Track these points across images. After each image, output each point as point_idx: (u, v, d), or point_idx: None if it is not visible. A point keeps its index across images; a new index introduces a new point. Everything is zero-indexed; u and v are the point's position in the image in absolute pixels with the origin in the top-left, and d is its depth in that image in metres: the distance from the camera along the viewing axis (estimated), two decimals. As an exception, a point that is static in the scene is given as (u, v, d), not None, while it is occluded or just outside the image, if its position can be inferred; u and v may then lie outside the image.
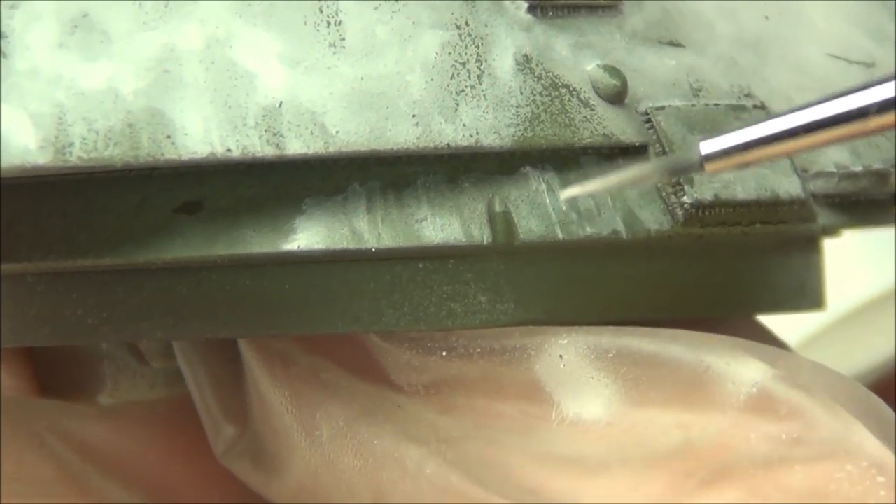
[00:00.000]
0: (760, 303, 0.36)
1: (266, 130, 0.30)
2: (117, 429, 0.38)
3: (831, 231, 0.37)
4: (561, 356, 0.32)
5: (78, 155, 0.28)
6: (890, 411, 0.32)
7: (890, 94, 0.28)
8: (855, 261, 0.61)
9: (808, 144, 0.29)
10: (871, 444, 0.30)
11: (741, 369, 0.31)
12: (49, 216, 0.31)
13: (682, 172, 0.31)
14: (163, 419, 0.39)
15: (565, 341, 0.32)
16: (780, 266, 0.36)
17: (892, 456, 0.30)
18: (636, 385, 0.32)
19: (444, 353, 0.32)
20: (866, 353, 0.61)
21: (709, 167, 0.30)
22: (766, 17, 0.37)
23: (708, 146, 0.30)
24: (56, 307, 0.32)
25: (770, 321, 0.38)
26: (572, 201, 0.32)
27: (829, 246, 0.38)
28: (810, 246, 0.37)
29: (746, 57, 0.36)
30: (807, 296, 0.37)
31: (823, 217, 0.35)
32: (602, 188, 0.31)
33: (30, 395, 0.39)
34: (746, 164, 0.30)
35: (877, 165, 0.36)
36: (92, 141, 0.29)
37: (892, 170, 0.36)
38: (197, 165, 0.30)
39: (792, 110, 0.29)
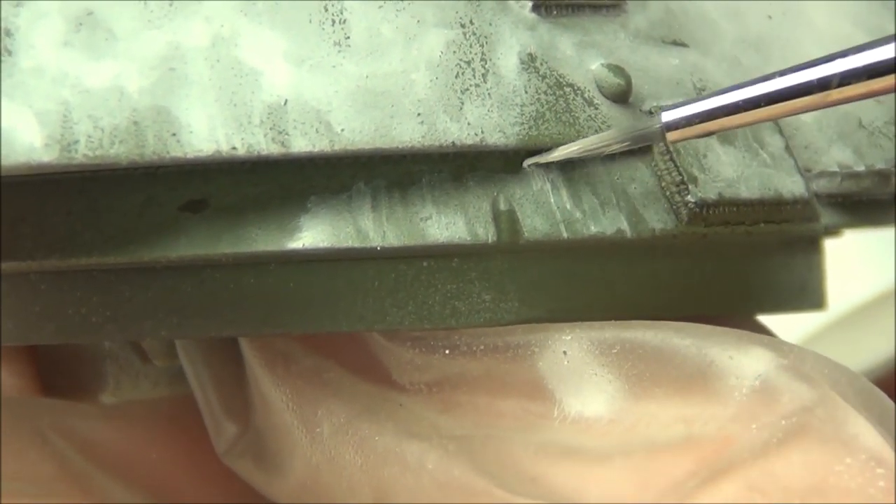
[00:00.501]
0: (762, 302, 0.36)
1: (271, 129, 0.30)
2: (120, 427, 0.38)
3: (833, 231, 0.37)
4: (565, 352, 0.32)
5: (83, 153, 0.28)
6: (891, 403, 0.32)
7: (850, 67, 0.28)
8: (855, 261, 0.61)
9: (768, 115, 0.29)
10: (870, 437, 0.30)
11: (744, 361, 0.31)
12: (53, 214, 0.31)
13: (644, 141, 0.31)
14: (165, 418, 0.39)
15: (569, 337, 0.32)
16: (783, 266, 0.36)
17: (891, 448, 0.30)
18: (639, 381, 0.32)
19: (446, 352, 0.32)
20: (866, 353, 0.61)
21: (670, 136, 0.30)
22: (769, 17, 0.37)
23: (669, 115, 0.30)
24: (60, 305, 0.32)
25: (770, 321, 0.38)
26: (535, 168, 0.32)
27: (830, 246, 0.38)
28: (812, 246, 0.37)
29: (749, 56, 0.36)
30: (808, 296, 0.37)
31: (826, 217, 0.36)
32: (564, 156, 0.32)
33: (32, 393, 0.39)
34: (707, 134, 0.30)
35: (879, 165, 0.36)
36: (97, 139, 0.29)
37: (895, 170, 0.36)
38: (202, 164, 0.30)
39: (753, 81, 0.29)
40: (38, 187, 0.31)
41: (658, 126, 0.30)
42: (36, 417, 0.38)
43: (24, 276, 0.32)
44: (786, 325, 0.39)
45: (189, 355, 0.36)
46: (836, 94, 0.28)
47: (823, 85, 0.28)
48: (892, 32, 0.39)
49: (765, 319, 0.38)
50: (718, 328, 0.32)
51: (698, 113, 0.30)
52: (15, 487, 0.37)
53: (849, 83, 0.28)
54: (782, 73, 0.29)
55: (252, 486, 0.36)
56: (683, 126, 0.30)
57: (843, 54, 0.28)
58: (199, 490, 0.39)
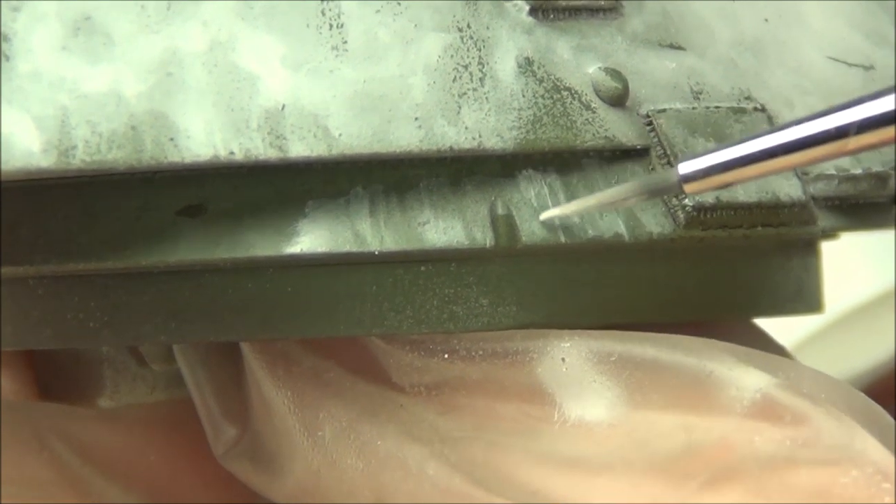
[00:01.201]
0: (759, 306, 0.36)
1: (269, 133, 0.30)
2: (118, 431, 0.38)
3: (831, 234, 0.37)
4: (563, 359, 0.32)
5: (81, 158, 0.28)
6: (891, 419, 0.32)
7: (868, 114, 0.28)
8: (855, 261, 0.61)
9: (786, 164, 0.29)
10: (876, 451, 0.30)
11: (744, 375, 0.31)
12: (51, 219, 0.31)
13: (661, 193, 0.31)
14: (163, 421, 0.39)
15: (568, 344, 0.32)
16: (780, 269, 0.36)
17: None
18: (639, 388, 0.32)
19: (445, 356, 0.32)
20: (866, 354, 0.61)
21: (688, 188, 0.30)
22: (766, 20, 0.37)
23: (686, 167, 0.30)
24: (58, 310, 0.32)
25: (770, 322, 0.38)
26: (549, 223, 0.32)
27: (829, 247, 0.38)
28: (809, 249, 0.37)
29: (746, 59, 0.36)
30: (805, 299, 0.37)
31: (823, 220, 0.36)
32: (580, 209, 0.32)
33: (30, 398, 0.39)
34: (725, 185, 0.30)
35: (876, 168, 0.36)
36: (95, 144, 0.29)
37: (892, 172, 0.36)
38: (199, 168, 0.30)
39: (770, 130, 0.29)
40: (35, 192, 0.31)
41: (676, 179, 0.30)
42: (34, 421, 0.38)
43: (22, 281, 0.32)
44: (785, 326, 0.39)
45: (187, 358, 0.36)
46: (853, 142, 0.28)
47: (841, 133, 0.28)
48: (891, 35, 0.39)
49: (764, 321, 0.38)
50: (715, 342, 0.32)
51: (716, 164, 0.30)
52: (13, 491, 0.37)
53: (867, 130, 0.28)
54: (799, 121, 0.29)
55: (250, 488, 0.36)
56: (701, 178, 0.30)
57: (860, 101, 0.28)
58: (197, 493, 0.39)
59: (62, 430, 0.38)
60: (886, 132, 0.28)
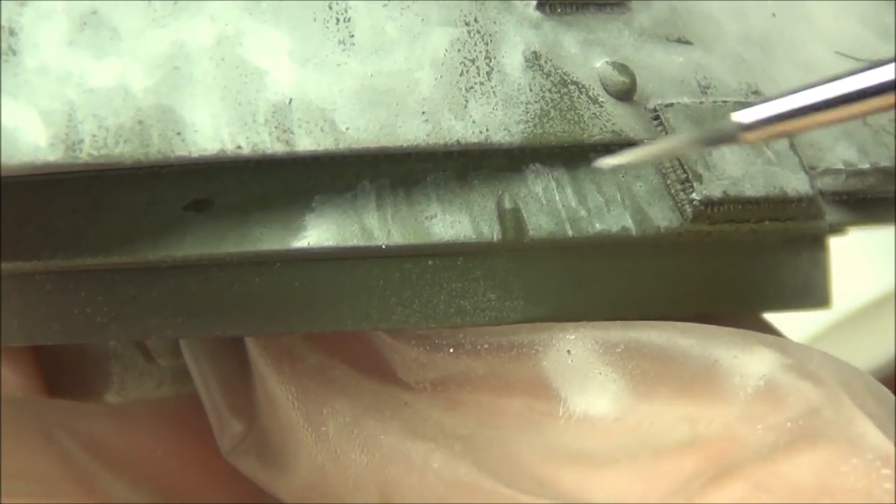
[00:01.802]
0: (767, 300, 0.36)
1: (276, 127, 0.30)
2: (125, 426, 0.38)
3: (838, 229, 0.37)
4: (569, 351, 0.32)
5: (88, 152, 0.28)
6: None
7: None
8: (856, 262, 0.61)
9: (846, 115, 0.29)
10: (876, 437, 0.30)
11: (749, 361, 0.31)
12: (58, 214, 0.31)
13: (718, 143, 0.31)
14: (170, 417, 0.39)
15: (573, 336, 0.32)
16: (788, 264, 0.36)
17: None
18: (644, 380, 0.32)
19: (451, 350, 0.32)
20: (867, 355, 0.61)
21: (747, 137, 0.29)
22: (774, 15, 0.37)
23: (744, 116, 0.29)
24: (65, 305, 0.32)
25: (774, 322, 0.38)
26: (607, 169, 0.32)
27: (831, 246, 0.38)
28: (817, 244, 0.37)
29: (754, 54, 0.36)
30: (813, 294, 0.37)
31: (831, 215, 0.35)
32: (637, 159, 0.31)
33: (37, 393, 0.40)
34: (785, 134, 0.29)
35: (884, 163, 0.36)
36: (102, 138, 0.29)
37: (897, 167, 0.36)
38: (206, 163, 0.30)
39: (832, 78, 0.29)
40: (42, 187, 0.31)
41: (735, 128, 0.30)
42: (41, 416, 0.38)
43: (28, 276, 0.32)
44: (788, 325, 0.39)
45: (194, 354, 0.36)
46: None
47: None
48: (898, 30, 0.39)
49: (770, 318, 0.38)
50: (723, 328, 0.32)
51: (775, 115, 0.29)
52: (20, 487, 0.37)
53: None
54: (859, 70, 0.28)
55: (257, 483, 0.36)
56: (759, 127, 0.30)
57: None
58: (204, 489, 0.39)
59: (69, 425, 0.38)
60: None
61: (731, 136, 0.29)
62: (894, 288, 0.62)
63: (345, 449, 0.33)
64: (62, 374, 0.40)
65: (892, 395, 0.32)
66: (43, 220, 0.31)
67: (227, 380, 0.36)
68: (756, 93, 0.35)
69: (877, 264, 0.62)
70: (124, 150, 0.29)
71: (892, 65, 0.28)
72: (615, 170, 0.32)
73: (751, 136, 0.29)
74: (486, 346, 0.32)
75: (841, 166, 0.35)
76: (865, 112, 0.28)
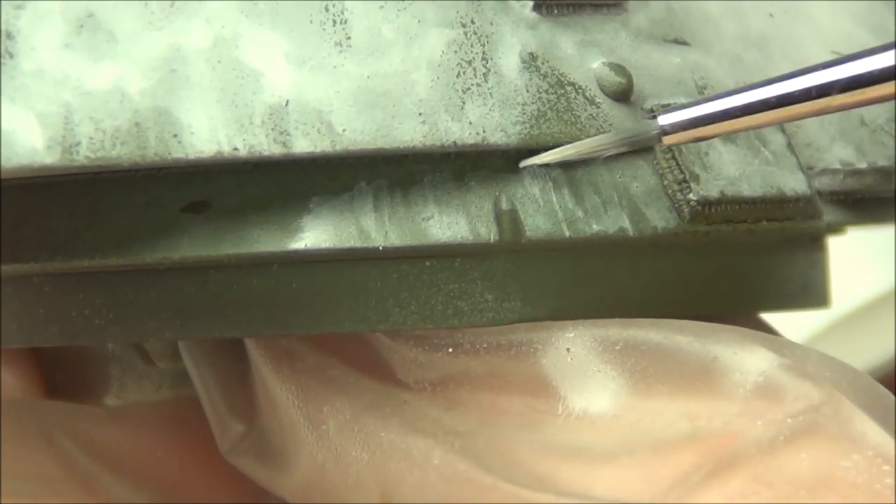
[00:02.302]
0: (765, 300, 0.36)
1: (273, 129, 0.30)
2: (125, 428, 0.38)
3: (836, 229, 0.37)
4: (568, 349, 0.32)
5: (85, 154, 0.28)
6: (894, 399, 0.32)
7: (853, 73, 0.28)
8: (855, 261, 0.61)
9: (767, 121, 0.29)
10: (876, 434, 0.30)
11: (748, 358, 0.31)
12: (56, 216, 0.31)
13: (640, 145, 0.31)
14: (170, 419, 0.39)
15: (572, 334, 0.32)
16: (786, 264, 0.36)
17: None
18: (643, 377, 0.32)
19: (449, 350, 0.32)
20: (866, 354, 0.61)
21: (666, 140, 0.30)
22: (771, 15, 0.37)
23: (666, 119, 0.30)
24: (63, 308, 0.32)
25: (772, 322, 0.38)
26: (517, 170, 0.32)
27: (830, 247, 0.38)
28: (815, 244, 0.37)
29: (751, 55, 0.36)
30: (811, 293, 0.37)
31: (828, 214, 0.36)
32: (559, 157, 0.32)
33: (36, 396, 0.40)
34: (704, 139, 0.30)
35: (882, 163, 0.36)
36: (99, 140, 0.29)
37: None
38: (204, 165, 0.30)
39: (753, 86, 0.29)
40: (40, 189, 0.31)
41: (655, 130, 0.30)
42: (41, 418, 0.38)
43: (27, 279, 0.32)
44: (786, 326, 0.39)
45: (192, 356, 0.36)
46: (837, 100, 0.28)
47: (823, 91, 0.28)
48: (894, 30, 0.39)
49: (768, 318, 0.38)
50: (721, 326, 0.32)
51: (696, 118, 0.30)
52: (20, 488, 0.37)
53: (849, 90, 0.28)
54: (781, 78, 0.29)
55: (257, 482, 0.36)
56: (680, 130, 0.30)
57: (843, 60, 0.28)
58: (204, 490, 0.39)
59: (69, 426, 0.38)
60: (871, 91, 0.28)
61: (652, 138, 0.30)
62: (894, 287, 0.62)
63: (345, 447, 0.33)
64: (62, 376, 0.40)
65: (890, 395, 0.32)
66: (41, 223, 0.31)
67: (227, 381, 0.36)
68: (753, 93, 0.35)
69: (876, 264, 0.62)
70: (121, 153, 0.29)
71: (814, 73, 0.28)
72: (610, 170, 0.32)
73: (670, 138, 0.30)
74: (485, 345, 0.32)
75: (838, 166, 0.35)
76: (791, 117, 0.29)
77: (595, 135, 0.32)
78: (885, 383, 0.33)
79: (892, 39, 0.38)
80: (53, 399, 0.39)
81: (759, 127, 0.30)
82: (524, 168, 0.32)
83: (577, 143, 0.32)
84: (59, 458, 0.37)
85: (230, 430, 0.36)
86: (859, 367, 0.33)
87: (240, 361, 0.35)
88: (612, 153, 0.32)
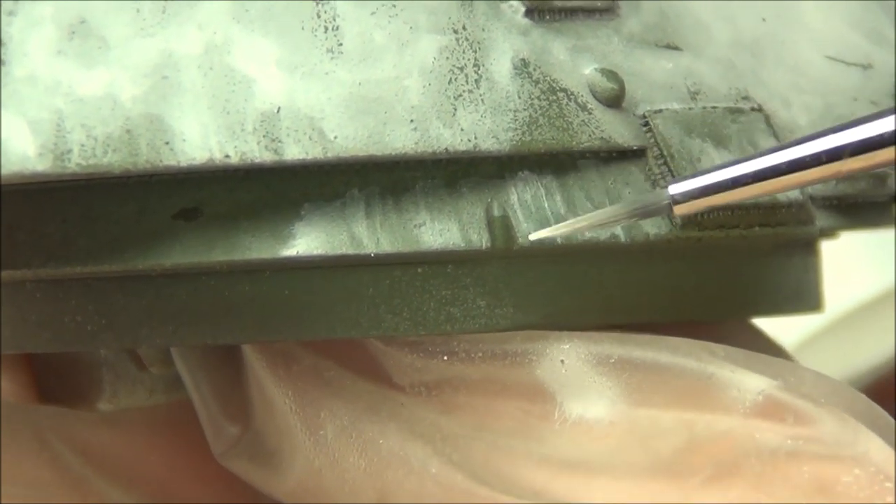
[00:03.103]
0: (758, 306, 0.36)
1: (264, 136, 0.30)
2: (119, 433, 0.38)
3: (830, 233, 0.37)
4: (562, 361, 0.32)
5: (76, 161, 0.28)
6: (892, 420, 0.32)
7: (864, 136, 0.28)
8: (855, 261, 0.61)
9: (779, 187, 0.30)
10: (879, 452, 0.30)
11: (746, 376, 0.31)
12: (48, 223, 0.31)
13: (651, 215, 0.31)
14: (163, 424, 0.39)
15: (567, 346, 0.32)
16: (778, 269, 0.36)
17: None
18: (639, 388, 0.32)
19: (444, 357, 0.32)
20: (866, 354, 0.61)
21: (678, 209, 0.30)
22: (764, 20, 0.37)
23: (676, 188, 0.30)
24: (55, 314, 0.32)
25: (770, 322, 0.38)
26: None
27: (829, 247, 0.38)
28: (808, 248, 0.37)
29: (744, 59, 0.36)
30: (805, 298, 0.37)
31: (821, 219, 0.35)
32: (571, 230, 0.32)
33: (29, 401, 0.39)
34: (717, 206, 0.30)
35: (875, 168, 0.36)
36: (90, 147, 0.29)
37: (891, 171, 0.36)
38: (196, 172, 0.30)
39: (762, 153, 0.29)
40: (33, 196, 0.31)
41: (666, 200, 0.30)
42: (35, 423, 0.38)
43: (19, 285, 0.32)
44: (785, 326, 0.39)
45: (185, 361, 0.36)
46: (848, 164, 0.28)
47: (833, 156, 0.28)
48: (890, 34, 0.39)
49: (764, 321, 0.38)
50: (716, 347, 0.32)
51: (706, 186, 0.30)
52: (14, 492, 0.37)
53: (860, 153, 0.28)
54: (791, 143, 0.29)
55: (251, 486, 0.36)
56: (690, 199, 0.30)
57: (856, 123, 0.28)
58: (198, 494, 0.39)
59: (63, 431, 0.38)
60: (883, 154, 0.28)
61: (663, 208, 0.30)
62: (894, 287, 0.62)
63: (343, 453, 0.33)
64: (55, 381, 0.40)
65: (888, 416, 0.32)
66: (33, 229, 0.31)
67: (220, 384, 0.36)
68: (746, 98, 0.35)
69: (875, 264, 0.62)
70: (113, 160, 0.29)
71: (823, 138, 0.28)
72: (602, 176, 0.33)
73: (682, 208, 0.30)
74: (481, 354, 0.32)
75: (832, 170, 0.35)
76: (803, 183, 0.29)
77: (586, 140, 0.32)
78: (885, 383, 0.33)
79: (887, 42, 0.38)
80: (46, 404, 0.39)
81: (771, 192, 0.30)
82: (516, 174, 0.32)
83: (589, 214, 0.31)
84: (52, 463, 0.37)
85: (224, 433, 0.36)
86: (859, 367, 0.33)
87: (233, 364, 0.35)
88: (624, 224, 0.32)
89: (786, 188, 0.30)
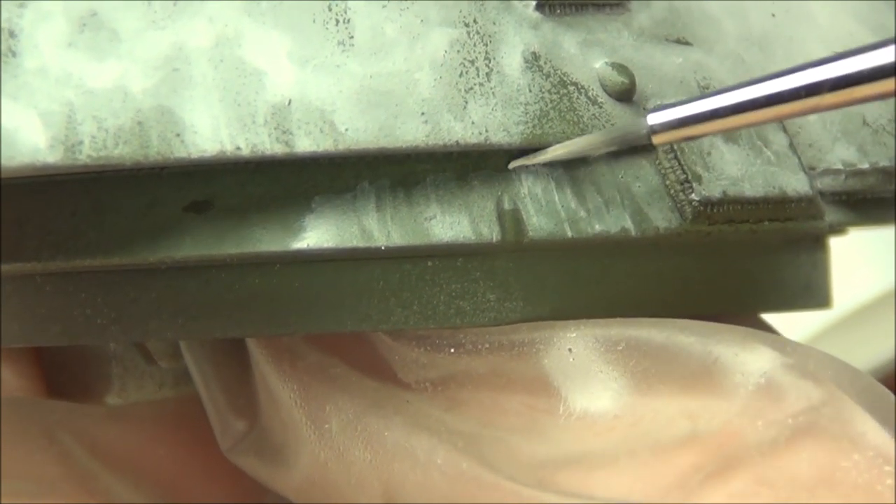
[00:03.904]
0: (768, 301, 0.36)
1: (275, 128, 0.30)
2: (127, 427, 0.38)
3: (838, 229, 0.37)
4: (570, 350, 0.32)
5: (87, 154, 0.28)
6: (894, 399, 0.32)
7: (842, 72, 0.28)
8: (856, 262, 0.61)
9: (756, 120, 0.29)
10: (878, 435, 0.30)
11: (749, 359, 0.31)
12: (58, 215, 0.31)
13: (629, 143, 0.31)
14: (171, 418, 0.39)
15: (574, 335, 0.32)
16: (788, 264, 0.36)
17: None
18: (645, 377, 0.32)
19: (451, 350, 0.32)
20: (867, 355, 0.61)
21: (655, 139, 0.30)
22: (773, 15, 0.37)
23: (655, 118, 0.30)
24: (65, 307, 0.32)
25: (774, 321, 0.38)
26: (520, 170, 0.32)
27: (831, 246, 0.38)
28: (817, 244, 0.37)
29: (753, 54, 0.36)
30: (813, 294, 0.37)
31: (830, 215, 0.35)
32: (549, 158, 0.32)
33: (37, 395, 0.40)
34: (693, 137, 0.30)
35: (883, 163, 0.36)
36: (101, 140, 0.29)
37: (899, 168, 0.36)
38: (206, 164, 0.30)
39: (741, 85, 0.29)
40: (42, 188, 0.31)
41: (644, 129, 0.30)
42: (43, 417, 0.38)
43: (29, 278, 0.32)
44: (786, 327, 0.39)
45: (193, 354, 0.36)
46: (827, 99, 0.28)
47: (812, 90, 0.28)
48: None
49: (769, 318, 0.38)
50: (723, 325, 0.32)
51: (685, 117, 0.30)
52: (23, 487, 0.37)
53: (838, 88, 0.28)
54: (770, 76, 0.29)
55: (258, 481, 0.36)
56: (669, 129, 0.30)
57: (833, 59, 0.28)
58: (206, 488, 0.39)
59: (71, 425, 0.38)
60: (861, 91, 0.28)
61: (641, 137, 0.30)
62: (894, 288, 0.62)
63: (348, 446, 0.33)
64: (63, 375, 0.40)
65: (890, 394, 0.32)
66: (43, 222, 0.31)
67: (228, 379, 0.36)
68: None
69: (877, 264, 0.62)
70: (123, 152, 0.29)
71: (802, 72, 0.28)
72: (612, 170, 0.32)
73: (660, 137, 0.30)
74: (487, 345, 0.32)
75: (840, 166, 0.35)
76: (780, 116, 0.29)
77: None
78: (886, 384, 0.33)
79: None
80: (55, 398, 0.39)
81: (750, 125, 0.30)
82: (527, 168, 0.32)
83: (568, 142, 0.32)
84: (60, 458, 0.37)
85: (231, 429, 0.36)
86: (860, 367, 0.33)
87: (241, 360, 0.35)
88: (602, 152, 0.32)
89: (764, 121, 0.30)
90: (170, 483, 0.38)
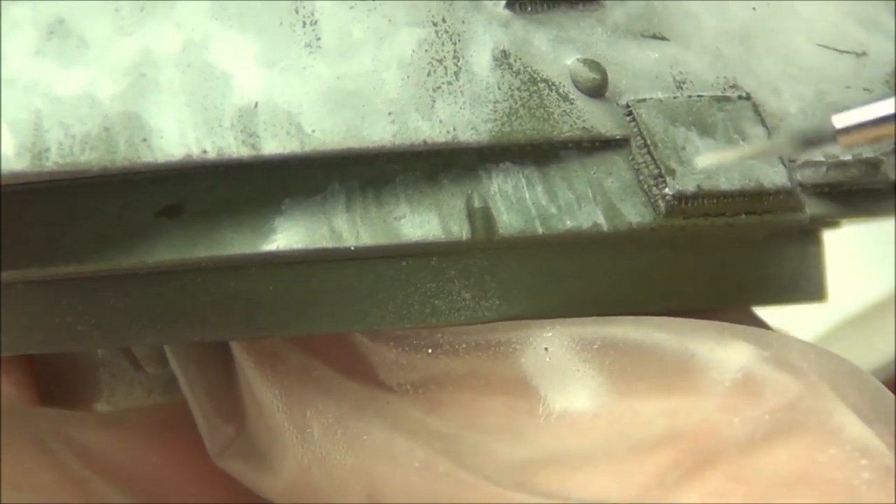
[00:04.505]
0: (753, 294, 0.36)
1: (241, 131, 0.30)
2: (118, 434, 0.39)
3: (830, 222, 0.37)
4: (546, 349, 0.32)
5: (55, 160, 0.29)
6: (881, 387, 0.32)
7: None
8: (857, 264, 0.60)
9: None
10: (856, 428, 0.30)
11: (726, 354, 0.31)
12: (33, 223, 0.31)
13: (816, 144, 0.31)
14: (162, 424, 0.39)
15: (550, 334, 0.32)
16: (773, 257, 0.35)
17: (876, 438, 0.30)
18: (622, 375, 0.31)
19: (429, 351, 0.32)
20: (868, 357, 0.60)
21: (842, 140, 0.29)
22: (754, 8, 0.37)
23: (841, 119, 0.29)
24: (46, 315, 0.32)
25: (774, 322, 0.37)
26: (707, 169, 0.32)
27: (831, 249, 0.38)
28: (808, 237, 0.36)
29: (733, 48, 0.36)
30: (804, 287, 0.37)
31: (816, 207, 0.35)
32: (736, 158, 0.32)
33: (30, 403, 0.40)
34: (880, 139, 0.30)
35: (867, 154, 0.36)
36: (68, 146, 0.29)
37: (884, 158, 0.36)
38: (177, 168, 0.30)
39: None
40: (16, 196, 0.31)
41: (831, 130, 0.30)
42: (35, 425, 0.38)
43: (9, 287, 0.33)
44: (789, 326, 0.39)
45: (179, 360, 0.36)
46: None
47: None
48: (882, 20, 0.39)
49: (768, 316, 0.38)
50: (700, 322, 0.32)
51: (871, 120, 0.30)
52: (15, 494, 0.37)
53: None
54: None
55: (246, 486, 0.36)
56: (854, 131, 0.30)
57: None
58: (198, 494, 0.39)
59: (63, 433, 0.38)
60: None
61: (828, 137, 0.29)
62: (894, 291, 0.62)
63: (330, 450, 0.33)
64: (54, 383, 0.40)
65: (874, 379, 0.32)
66: (18, 230, 0.31)
67: (214, 384, 0.36)
68: (734, 87, 0.35)
69: (878, 267, 0.62)
70: (90, 158, 0.29)
71: None
72: (584, 166, 0.32)
73: (847, 138, 0.29)
74: (465, 345, 0.32)
75: (822, 158, 0.35)
76: None
77: (567, 130, 0.32)
78: (887, 384, 0.33)
79: (880, 29, 0.38)
80: (46, 406, 0.40)
81: None
82: (497, 166, 0.32)
83: (753, 144, 0.31)
84: (52, 465, 0.38)
85: (219, 434, 0.36)
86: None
87: (227, 365, 0.36)
88: (788, 153, 0.32)
89: None
90: (161, 489, 0.39)
